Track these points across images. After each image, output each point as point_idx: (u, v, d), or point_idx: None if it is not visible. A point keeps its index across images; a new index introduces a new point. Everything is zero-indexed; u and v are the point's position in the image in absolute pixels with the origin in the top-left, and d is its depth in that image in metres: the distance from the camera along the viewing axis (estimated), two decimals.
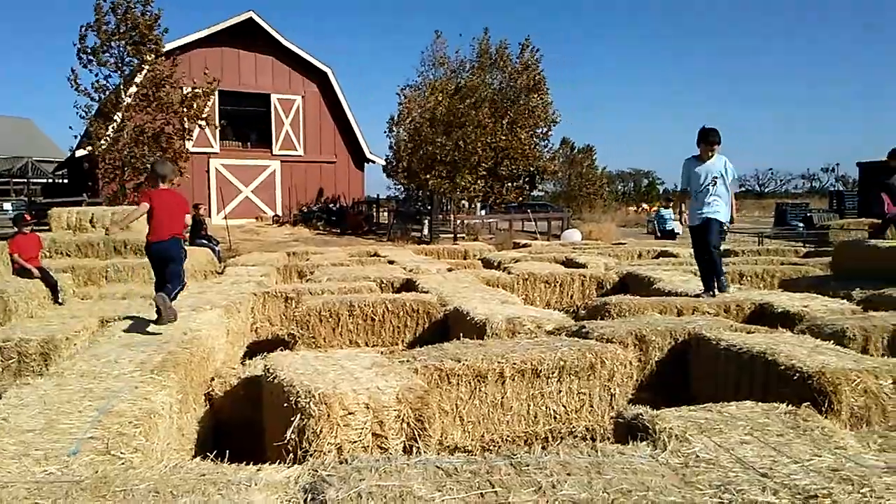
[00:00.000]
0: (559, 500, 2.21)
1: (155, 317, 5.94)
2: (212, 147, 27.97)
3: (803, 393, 3.60)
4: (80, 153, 23.43)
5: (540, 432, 4.30)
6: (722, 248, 12.42)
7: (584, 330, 5.19)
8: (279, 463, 2.71)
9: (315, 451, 3.21)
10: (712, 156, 6.82)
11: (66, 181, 34.82)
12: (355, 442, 3.30)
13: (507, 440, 4.24)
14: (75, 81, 20.28)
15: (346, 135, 31.35)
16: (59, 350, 6.32)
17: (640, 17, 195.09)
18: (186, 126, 21.55)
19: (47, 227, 12.23)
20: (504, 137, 29.50)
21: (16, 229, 9.49)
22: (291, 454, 3.25)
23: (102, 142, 20.27)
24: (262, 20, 28.55)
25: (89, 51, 20.30)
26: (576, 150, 52.33)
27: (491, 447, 4.17)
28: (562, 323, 5.79)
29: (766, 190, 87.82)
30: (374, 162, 32.48)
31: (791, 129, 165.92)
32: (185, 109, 21.09)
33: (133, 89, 20.71)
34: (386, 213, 31.65)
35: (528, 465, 2.50)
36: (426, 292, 7.47)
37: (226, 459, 2.72)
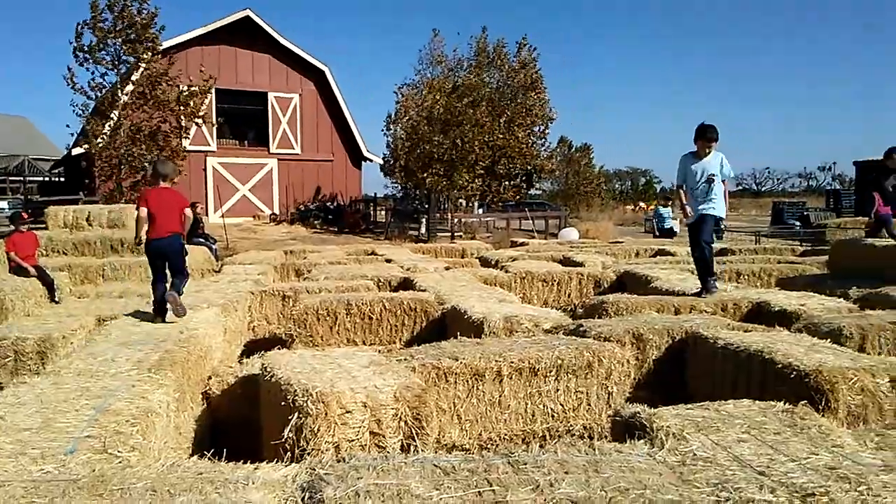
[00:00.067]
0: (557, 498, 2.21)
1: (152, 315, 5.97)
2: (209, 145, 27.92)
3: (800, 391, 3.60)
4: (76, 151, 23.38)
5: (537, 431, 4.30)
6: (719, 246, 12.50)
7: (581, 328, 5.19)
8: (277, 462, 2.71)
9: (313, 449, 3.21)
10: (709, 153, 6.77)
11: (62, 179, 34.74)
12: (353, 440, 3.29)
13: (504, 439, 4.24)
14: (72, 80, 20.24)
15: (343, 133, 31.32)
16: (55, 349, 6.31)
17: (640, 17, 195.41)
18: (183, 124, 21.51)
19: (44, 226, 12.21)
20: (501, 136, 29.50)
21: (13, 227, 9.47)
22: (289, 453, 3.25)
23: (99, 140, 20.23)
24: (259, 18, 28.50)
25: (86, 49, 20.26)
26: (573, 149, 52.37)
27: (489, 446, 4.17)
28: (559, 321, 5.79)
29: (763, 189, 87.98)
30: (371, 160, 32.46)
31: (789, 129, 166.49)
32: (181, 107, 21.05)
33: (130, 87, 20.67)
34: (383, 212, 31.66)
35: (525, 464, 2.50)
36: (424, 291, 7.47)
37: (223, 458, 2.72)
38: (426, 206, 27.08)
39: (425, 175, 26.63)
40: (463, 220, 28.03)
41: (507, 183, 32.21)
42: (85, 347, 4.86)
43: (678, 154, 7.02)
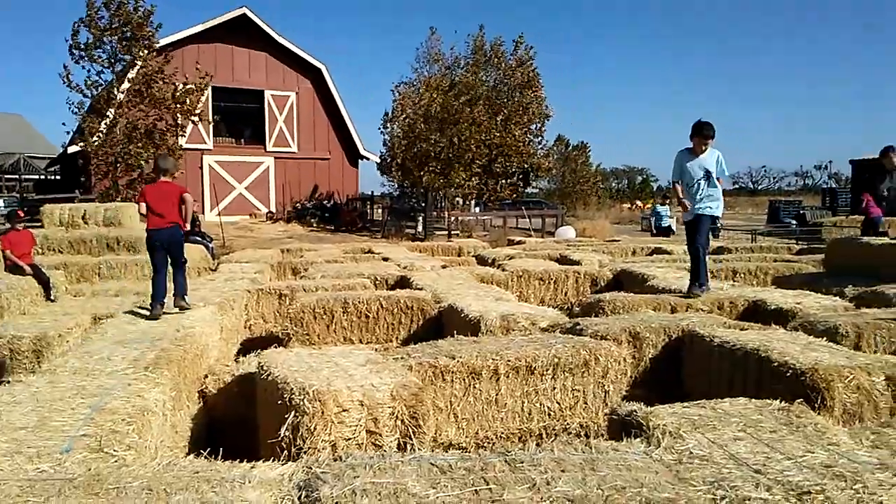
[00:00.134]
0: (553, 496, 2.21)
1: (150, 308, 6.00)
2: (205, 143, 27.88)
3: (796, 389, 3.61)
4: (72, 149, 23.32)
5: (534, 429, 4.30)
6: (715, 245, 12.50)
7: (578, 327, 5.20)
8: (273, 460, 2.70)
9: (309, 448, 3.21)
10: (706, 150, 6.68)
11: (58, 177, 34.66)
12: (350, 439, 3.29)
13: (501, 437, 4.24)
14: (68, 78, 20.19)
15: (340, 131, 31.30)
16: (51, 347, 6.30)
17: (640, 17, 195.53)
18: (179, 122, 21.47)
19: (39, 224, 12.17)
20: (498, 134, 29.50)
21: (8, 226, 9.45)
22: (285, 451, 3.24)
23: (95, 138, 20.18)
24: (256, 16, 28.45)
25: (82, 46, 20.20)
26: (570, 148, 52.39)
27: (485, 444, 4.17)
28: (556, 320, 5.79)
29: (760, 187, 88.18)
30: (368, 159, 32.45)
31: (786, 128, 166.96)
32: (177, 105, 21.01)
33: (126, 85, 20.61)
34: (380, 210, 31.65)
35: (522, 462, 2.50)
36: (420, 289, 7.46)
37: (219, 457, 2.72)
38: (423, 204, 27.08)
39: (422, 173, 26.63)
40: (460, 218, 28.03)
41: (503, 181, 32.21)
42: (81, 346, 4.85)
43: (675, 153, 6.95)
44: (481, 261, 11.76)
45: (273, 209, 29.50)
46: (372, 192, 35.21)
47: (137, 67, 20.54)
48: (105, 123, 20.38)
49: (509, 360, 4.23)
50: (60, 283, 9.45)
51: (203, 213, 23.79)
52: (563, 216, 29.51)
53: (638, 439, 2.82)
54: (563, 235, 22.35)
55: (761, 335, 4.65)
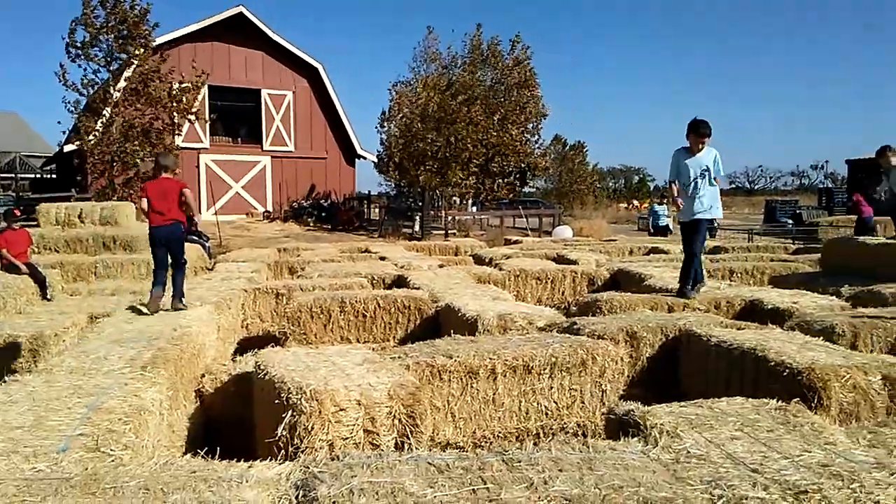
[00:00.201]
0: (551, 496, 2.21)
1: (148, 302, 6.03)
2: (202, 142, 27.82)
3: (793, 389, 3.62)
4: (68, 148, 23.26)
5: (531, 429, 4.30)
6: (712, 244, 12.51)
7: (575, 326, 5.20)
8: (270, 460, 2.70)
9: (306, 447, 3.20)
10: (702, 148, 6.58)
11: (54, 176, 34.56)
12: (347, 438, 3.29)
13: (498, 437, 4.24)
14: (63, 76, 20.14)
15: (337, 131, 31.27)
16: (47, 346, 6.29)
17: (639, 17, 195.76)
18: (176, 121, 21.42)
19: (35, 223, 12.14)
20: (495, 134, 29.51)
21: (4, 225, 9.43)
22: (283, 451, 3.24)
23: (91, 137, 20.13)
24: (252, 15, 28.41)
25: (78, 45, 20.15)
26: (567, 147, 52.44)
27: (482, 443, 4.17)
28: (553, 319, 5.80)
29: (756, 187, 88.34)
30: (365, 158, 32.43)
31: (783, 128, 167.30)
32: (174, 104, 20.96)
33: (122, 84, 20.57)
34: (377, 210, 31.63)
35: (519, 462, 2.50)
36: (417, 289, 7.46)
37: (217, 456, 2.71)
38: (420, 203, 27.06)
39: (419, 172, 26.61)
40: (457, 217, 28.04)
41: (500, 181, 32.25)
42: (77, 345, 4.84)
43: (673, 152, 6.88)
44: (478, 260, 11.76)
45: (270, 208, 29.47)
46: (369, 191, 35.21)
47: (134, 66, 20.50)
48: (101, 122, 20.34)
49: (506, 360, 4.23)
50: (57, 283, 9.43)
51: (200, 212, 23.72)
52: (560, 216, 29.51)
53: (635, 439, 2.83)
54: (560, 235, 22.36)
55: (758, 335, 4.65)
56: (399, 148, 28.53)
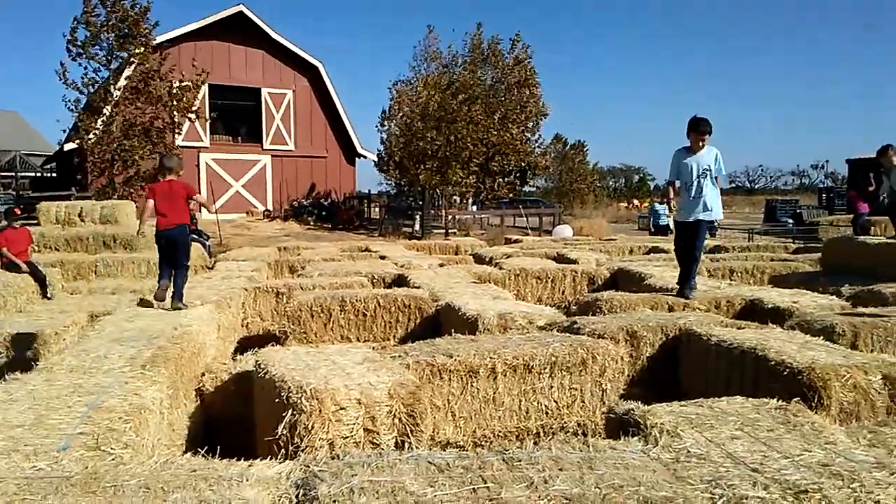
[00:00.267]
0: (551, 495, 2.21)
1: (147, 308, 6.06)
2: (202, 141, 27.82)
3: (793, 388, 3.62)
4: (68, 147, 23.26)
5: (531, 428, 4.30)
6: (712, 244, 12.50)
7: (575, 325, 5.20)
8: (270, 458, 2.70)
9: (307, 446, 3.20)
10: (703, 146, 6.50)
11: (54, 175, 34.56)
12: (347, 437, 3.29)
13: (498, 436, 4.24)
14: (64, 75, 20.15)
15: (337, 129, 31.26)
16: (48, 345, 6.29)
17: (640, 17, 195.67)
18: (176, 120, 21.42)
19: (35, 222, 12.15)
20: (496, 133, 29.50)
21: (5, 223, 9.43)
22: (283, 450, 3.24)
23: (91, 135, 20.13)
24: (253, 13, 28.41)
25: (79, 43, 20.15)
26: (568, 147, 52.43)
27: (482, 443, 4.17)
28: (553, 318, 5.80)
29: (756, 186, 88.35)
30: (365, 157, 32.43)
31: (784, 128, 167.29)
32: (174, 102, 20.96)
33: (122, 82, 20.57)
34: (377, 209, 31.63)
35: (520, 461, 2.50)
36: (418, 288, 7.46)
37: (217, 455, 2.71)
38: (420, 202, 27.06)
39: (419, 171, 26.62)
40: (457, 216, 28.05)
41: (501, 180, 32.25)
42: (77, 344, 4.84)
43: (673, 151, 6.82)
44: (479, 259, 11.76)
45: (270, 207, 29.47)
46: (369, 190, 35.24)
47: (134, 65, 20.50)
48: (102, 121, 20.34)
49: (507, 359, 4.23)
50: (57, 281, 9.44)
51: (199, 211, 23.74)
52: (560, 215, 29.52)
53: (635, 438, 2.83)
54: (561, 234, 22.36)
55: (758, 334, 4.65)
56: (399, 147, 28.53)
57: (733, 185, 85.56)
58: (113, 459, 2.68)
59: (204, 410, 4.74)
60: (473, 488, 2.27)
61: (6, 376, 3.84)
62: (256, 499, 2.25)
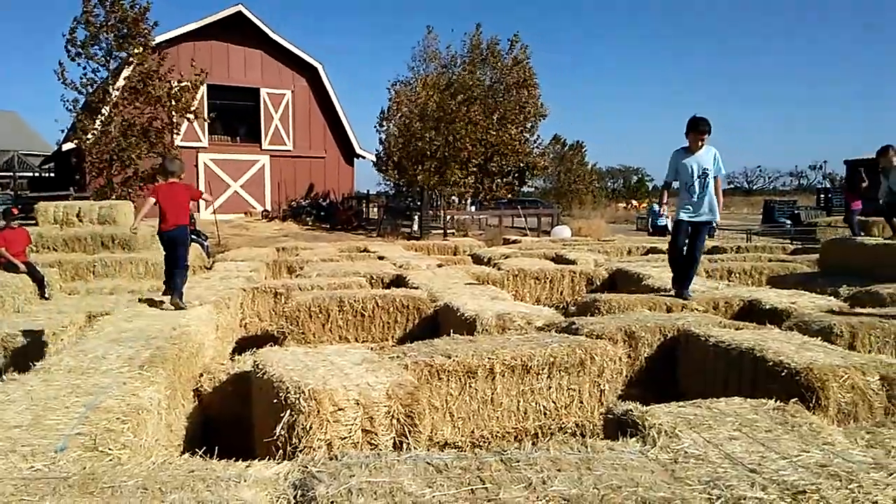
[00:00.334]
0: (549, 496, 2.21)
1: (145, 309, 6.08)
2: (200, 141, 27.82)
3: (791, 389, 3.62)
4: (66, 147, 23.25)
5: (530, 428, 4.30)
6: (710, 245, 12.51)
7: (573, 326, 5.20)
8: (269, 459, 2.70)
9: (305, 447, 3.20)
10: (702, 146, 6.45)
11: (52, 175, 34.54)
12: (345, 438, 3.29)
13: (496, 436, 4.24)
14: (62, 74, 20.11)
15: (335, 130, 31.26)
16: (46, 345, 6.28)
17: (640, 17, 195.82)
18: (175, 120, 21.41)
19: (34, 222, 12.13)
20: (494, 133, 29.51)
21: (3, 224, 9.42)
22: (281, 450, 3.24)
23: (90, 136, 20.11)
24: (251, 14, 28.40)
25: (78, 44, 20.12)
26: (566, 147, 52.45)
27: (481, 443, 4.17)
28: (552, 319, 5.79)
29: (755, 187, 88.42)
30: (364, 157, 32.42)
31: (783, 128, 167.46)
32: (173, 103, 20.94)
33: (121, 83, 20.55)
34: (376, 209, 31.63)
35: (518, 462, 2.50)
36: (416, 288, 7.46)
37: (215, 456, 2.71)
38: (419, 203, 27.06)
39: (417, 172, 26.62)
40: (456, 217, 28.04)
41: (499, 180, 32.25)
42: (75, 344, 4.83)
43: (671, 151, 6.78)
44: (477, 260, 11.77)
45: (269, 207, 29.46)
46: (368, 190, 35.22)
47: (133, 65, 20.48)
48: (100, 121, 20.32)
49: (505, 360, 4.23)
50: (55, 281, 9.43)
51: (198, 211, 23.74)
52: (558, 215, 29.52)
53: (634, 438, 2.83)
54: (559, 235, 22.37)
55: (756, 335, 4.65)
56: (398, 147, 28.54)
57: (731, 185, 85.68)
58: (111, 460, 2.68)
59: (202, 411, 4.73)
60: (472, 489, 2.27)
61: (4, 376, 3.84)
62: (254, 499, 2.25)
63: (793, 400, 3.24)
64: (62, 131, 22.36)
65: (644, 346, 5.01)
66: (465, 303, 6.32)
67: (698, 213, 6.54)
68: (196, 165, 27.79)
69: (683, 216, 6.63)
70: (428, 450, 3.22)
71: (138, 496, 2.24)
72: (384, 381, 3.49)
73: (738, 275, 9.04)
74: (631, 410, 3.10)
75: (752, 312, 6.29)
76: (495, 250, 13.03)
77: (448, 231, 25.20)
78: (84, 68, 20.57)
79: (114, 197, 18.73)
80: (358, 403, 3.32)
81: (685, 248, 6.70)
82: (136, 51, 20.29)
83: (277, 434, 3.28)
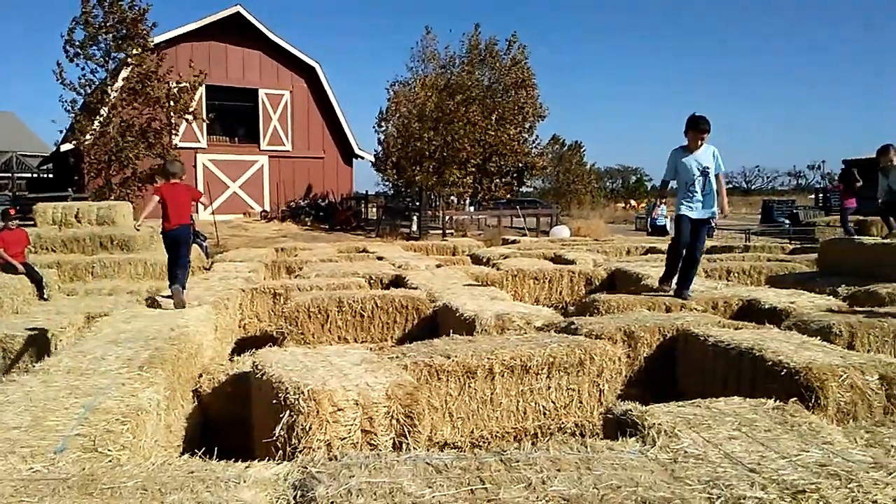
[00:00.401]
0: (549, 496, 2.21)
1: (144, 309, 6.11)
2: (199, 142, 27.80)
3: (790, 388, 3.62)
4: (65, 147, 23.22)
5: (529, 428, 4.31)
6: (709, 244, 12.50)
7: (573, 326, 5.20)
8: (268, 460, 2.70)
9: (304, 447, 3.20)
10: (701, 145, 6.44)
11: (51, 176, 34.50)
12: (345, 438, 3.28)
13: (496, 436, 4.24)
14: (61, 75, 20.09)
15: (334, 130, 31.25)
16: (45, 346, 6.28)
17: (640, 17, 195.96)
18: (173, 121, 21.40)
19: (32, 223, 12.12)
20: (493, 133, 29.52)
21: (1, 224, 9.41)
22: (280, 451, 3.24)
23: (88, 136, 20.09)
24: (250, 14, 28.39)
25: (77, 44, 20.10)
26: (565, 147, 52.47)
27: (480, 443, 4.17)
28: (551, 319, 5.79)
29: (753, 187, 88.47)
30: (363, 158, 32.42)
31: (782, 128, 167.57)
32: (171, 103, 20.94)
33: (119, 83, 20.54)
34: (375, 209, 31.63)
35: (517, 462, 2.50)
36: (415, 288, 7.46)
37: (214, 456, 2.71)
38: (417, 203, 27.06)
39: (416, 172, 26.63)
40: (454, 217, 28.05)
41: (498, 180, 32.24)
42: (74, 345, 4.83)
43: (670, 151, 6.76)
44: (476, 260, 11.76)
45: (267, 208, 29.45)
46: (366, 191, 35.22)
47: (132, 66, 20.47)
48: (98, 122, 20.31)
49: (504, 360, 4.22)
50: (54, 282, 9.42)
51: (197, 211, 23.74)
52: (557, 215, 29.55)
53: (633, 438, 2.83)
54: (558, 235, 22.38)
55: (755, 334, 4.66)
56: (397, 147, 28.53)
57: (730, 185, 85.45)
58: (110, 461, 2.68)
59: (201, 412, 4.73)
60: (471, 489, 2.27)
61: (2, 378, 3.83)
62: (254, 500, 2.25)
63: (792, 399, 3.25)
64: (60, 132, 22.39)
65: (643, 346, 5.01)
66: (465, 303, 6.32)
67: (700, 210, 6.54)
68: (195, 166, 27.76)
69: (685, 212, 6.59)
70: (427, 450, 3.22)
71: (138, 497, 2.23)
72: (383, 382, 3.48)
73: (736, 274, 9.04)
74: (630, 410, 3.10)
75: (751, 312, 6.29)
76: (494, 250, 13.03)
77: (447, 231, 25.20)
78: (83, 69, 20.58)
79: (112, 198, 18.73)
80: (357, 404, 3.32)
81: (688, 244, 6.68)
82: (134, 51, 20.28)
83: (277, 435, 3.28)
